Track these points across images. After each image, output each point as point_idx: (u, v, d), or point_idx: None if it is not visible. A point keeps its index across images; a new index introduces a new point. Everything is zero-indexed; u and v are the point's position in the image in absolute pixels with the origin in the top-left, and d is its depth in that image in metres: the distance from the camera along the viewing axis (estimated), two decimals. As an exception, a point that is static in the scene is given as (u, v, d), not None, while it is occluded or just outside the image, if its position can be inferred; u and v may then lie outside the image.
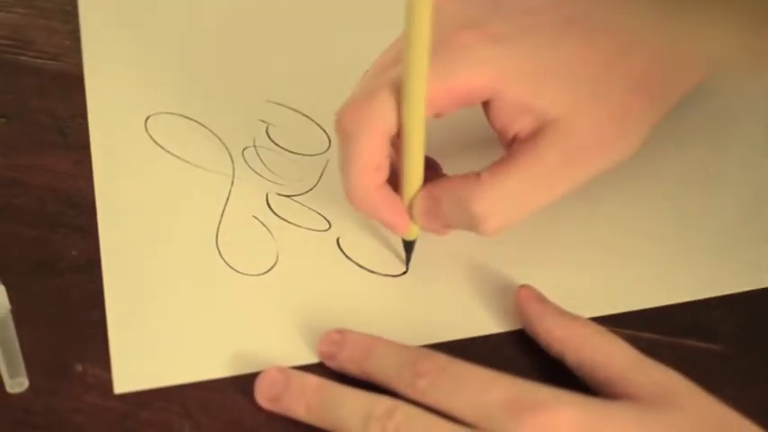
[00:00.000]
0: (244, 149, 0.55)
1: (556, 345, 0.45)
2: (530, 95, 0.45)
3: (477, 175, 0.46)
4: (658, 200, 0.53)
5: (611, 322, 0.48)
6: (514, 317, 0.48)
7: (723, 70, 0.53)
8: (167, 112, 0.56)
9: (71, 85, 0.57)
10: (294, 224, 0.52)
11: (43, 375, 0.46)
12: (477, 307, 0.49)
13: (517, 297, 0.48)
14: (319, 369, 0.46)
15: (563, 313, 0.47)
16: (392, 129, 0.45)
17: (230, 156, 0.55)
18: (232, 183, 0.54)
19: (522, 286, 0.48)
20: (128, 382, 0.46)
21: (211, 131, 0.56)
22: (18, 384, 0.46)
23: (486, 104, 0.46)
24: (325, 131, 0.55)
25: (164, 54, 0.59)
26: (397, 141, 0.46)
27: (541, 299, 0.48)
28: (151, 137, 0.55)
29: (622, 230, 0.52)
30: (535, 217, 0.52)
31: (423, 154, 0.46)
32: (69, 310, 0.48)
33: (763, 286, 0.50)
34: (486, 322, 0.48)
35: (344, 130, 0.46)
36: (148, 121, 0.56)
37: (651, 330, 0.48)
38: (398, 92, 0.44)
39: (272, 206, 0.53)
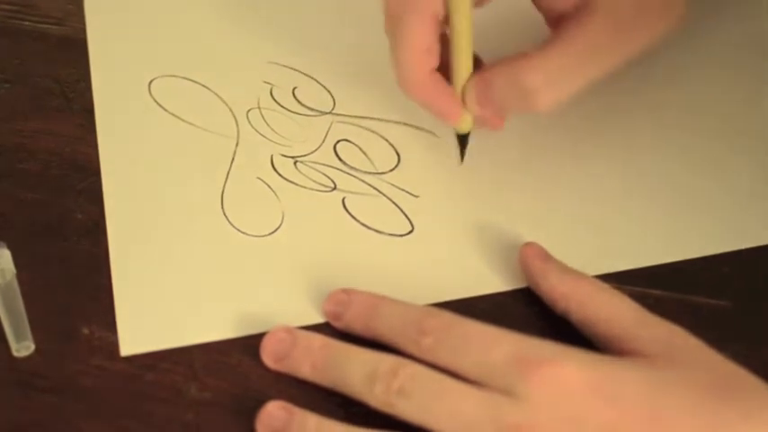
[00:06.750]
0: (248, 111, 0.55)
1: (560, 302, 0.45)
2: None
3: (526, 54, 0.47)
4: (667, 156, 0.53)
5: (619, 279, 0.47)
6: (520, 275, 0.48)
7: None
8: (171, 75, 0.56)
9: (74, 49, 0.57)
10: (299, 185, 0.52)
11: (49, 339, 0.46)
12: (482, 265, 0.49)
13: (521, 254, 0.48)
14: (326, 329, 0.46)
15: (567, 270, 0.46)
16: (439, 11, 0.46)
17: (235, 118, 0.54)
18: (237, 144, 0.53)
19: (527, 243, 0.48)
20: (134, 345, 0.46)
21: (215, 94, 0.55)
22: (24, 348, 0.46)
23: None
24: (329, 92, 0.55)
25: (167, 17, 0.58)
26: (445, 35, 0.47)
27: (546, 256, 0.47)
28: (155, 100, 0.55)
29: (630, 186, 0.52)
30: (542, 173, 0.52)
31: (471, 40, 0.47)
32: (75, 274, 0.48)
33: (772, 242, 0.50)
34: (491, 281, 0.48)
35: (393, 13, 0.46)
36: (152, 84, 0.56)
37: (659, 287, 0.48)
38: None
39: (277, 167, 0.53)
